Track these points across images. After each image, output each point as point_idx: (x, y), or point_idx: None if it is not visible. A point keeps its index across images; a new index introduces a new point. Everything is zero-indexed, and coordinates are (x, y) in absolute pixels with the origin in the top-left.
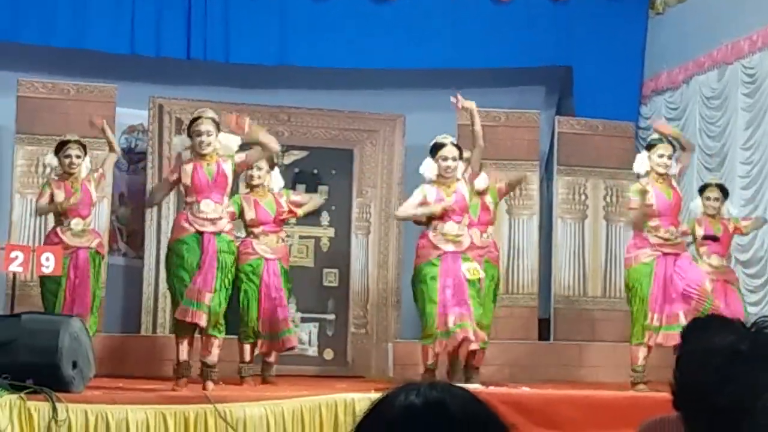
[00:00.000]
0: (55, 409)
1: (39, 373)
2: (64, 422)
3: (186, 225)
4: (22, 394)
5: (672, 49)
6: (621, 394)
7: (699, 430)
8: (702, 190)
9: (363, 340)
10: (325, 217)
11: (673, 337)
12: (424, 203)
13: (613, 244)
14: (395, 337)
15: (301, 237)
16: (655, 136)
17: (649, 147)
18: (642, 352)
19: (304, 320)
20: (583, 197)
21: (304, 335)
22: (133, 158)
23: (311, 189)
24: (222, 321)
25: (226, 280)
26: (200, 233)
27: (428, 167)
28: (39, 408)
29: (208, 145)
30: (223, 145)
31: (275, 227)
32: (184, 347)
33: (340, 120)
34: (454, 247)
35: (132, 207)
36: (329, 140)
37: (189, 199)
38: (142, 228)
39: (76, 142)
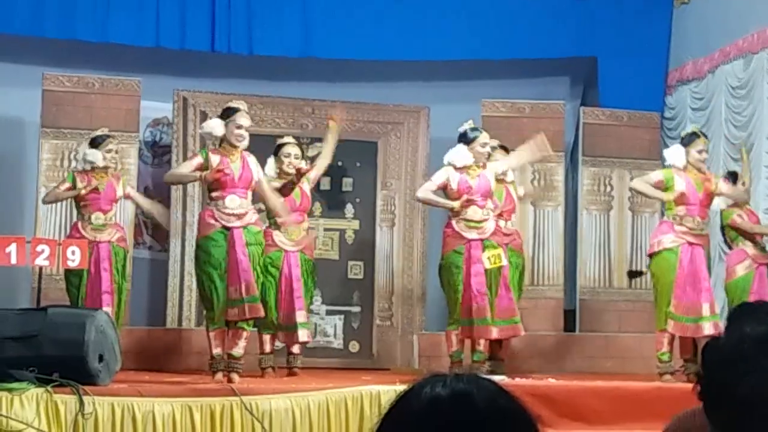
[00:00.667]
0: (81, 403)
1: (65, 366)
2: (90, 415)
3: (212, 221)
4: (49, 388)
5: (697, 38)
6: (648, 385)
7: (721, 421)
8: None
9: (388, 333)
10: (349, 210)
11: (695, 329)
12: (446, 187)
13: (639, 235)
14: (420, 329)
15: (326, 229)
16: (690, 129)
17: (688, 142)
18: (666, 338)
19: (329, 312)
20: (608, 188)
21: (329, 328)
22: (158, 151)
23: (336, 181)
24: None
25: (256, 273)
26: (227, 228)
27: (461, 155)
28: (66, 401)
29: (244, 139)
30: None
31: (298, 217)
32: (218, 342)
33: (365, 112)
34: (477, 234)
35: (158, 200)
36: (353, 132)
37: (214, 195)
38: (167, 221)
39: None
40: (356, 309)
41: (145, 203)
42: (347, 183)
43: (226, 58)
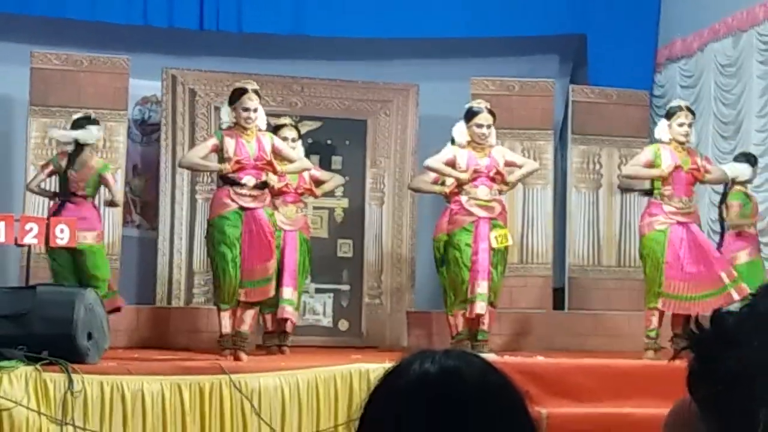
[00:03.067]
0: (70, 381)
1: (54, 344)
2: (79, 393)
3: (228, 201)
4: (38, 366)
5: (686, 16)
6: (636, 362)
7: (702, 398)
8: None
9: (377, 311)
10: (339, 188)
11: (688, 307)
12: (453, 163)
13: (628, 213)
14: (410, 307)
15: (315, 208)
16: (675, 103)
17: (669, 115)
18: (655, 316)
19: (318, 291)
20: (597, 166)
21: (318, 306)
22: (147, 130)
23: (325, 159)
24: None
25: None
26: (243, 209)
27: (460, 132)
28: (54, 379)
29: (253, 121)
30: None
31: (295, 197)
32: (227, 320)
33: (354, 90)
34: (486, 213)
35: (146, 178)
36: (343, 110)
37: (231, 175)
38: (156, 199)
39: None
40: (345, 287)
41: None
42: (336, 161)
43: (215, 36)
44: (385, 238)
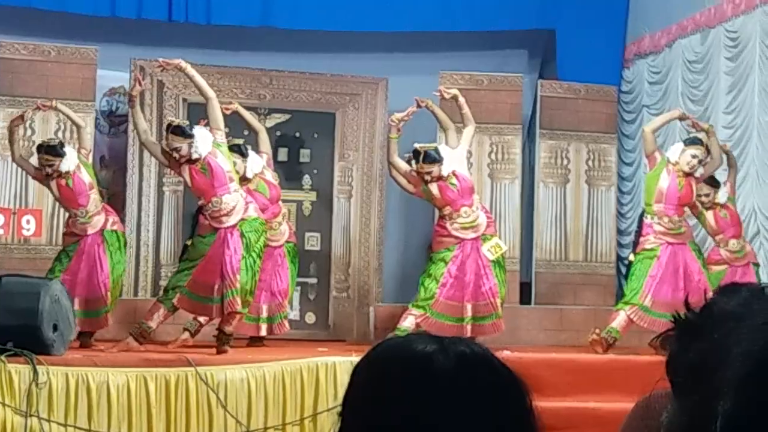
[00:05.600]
0: (35, 372)
1: (19, 335)
2: (44, 385)
3: (204, 222)
4: (2, 357)
5: (655, 12)
6: (601, 357)
7: (675, 390)
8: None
9: (345, 304)
10: (307, 181)
11: (662, 325)
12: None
13: (595, 208)
14: (377, 301)
15: (283, 201)
16: (700, 135)
17: (689, 143)
18: (620, 317)
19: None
20: (565, 161)
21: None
22: (115, 121)
23: (293, 152)
24: (249, 298)
25: (250, 259)
26: (216, 229)
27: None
28: (19, 371)
29: (184, 155)
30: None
31: (274, 211)
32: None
33: (323, 83)
34: (473, 233)
35: (113, 170)
36: (311, 103)
37: (201, 202)
38: (123, 191)
39: (48, 150)
40: (313, 280)
41: (73, 115)
42: (304, 154)
43: (183, 28)
44: (353, 231)
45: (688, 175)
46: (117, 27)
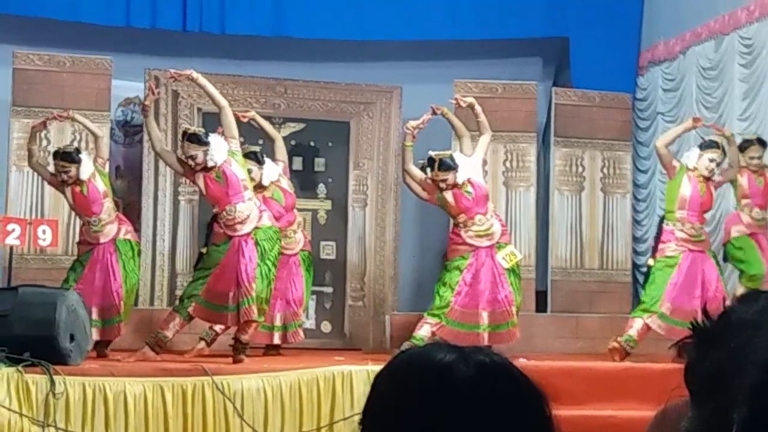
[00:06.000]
0: (52, 382)
1: (36, 346)
2: (61, 395)
3: (219, 231)
4: (20, 367)
5: (669, 19)
6: (618, 365)
7: (693, 397)
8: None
9: (360, 313)
10: (322, 190)
11: (680, 332)
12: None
13: (610, 215)
14: (393, 310)
15: (298, 209)
16: (714, 138)
17: (705, 147)
18: (637, 324)
19: None
20: (580, 169)
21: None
22: (129, 131)
23: (308, 161)
24: (264, 306)
25: (265, 267)
26: (230, 237)
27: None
28: (36, 381)
29: (200, 163)
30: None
31: (290, 219)
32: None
33: (337, 92)
34: (488, 242)
35: (129, 179)
36: (326, 112)
37: (215, 210)
38: (139, 201)
39: (63, 157)
40: (328, 289)
41: (90, 125)
42: (319, 163)
43: (197, 37)
44: (368, 240)
45: (707, 179)
46: (131, 37)
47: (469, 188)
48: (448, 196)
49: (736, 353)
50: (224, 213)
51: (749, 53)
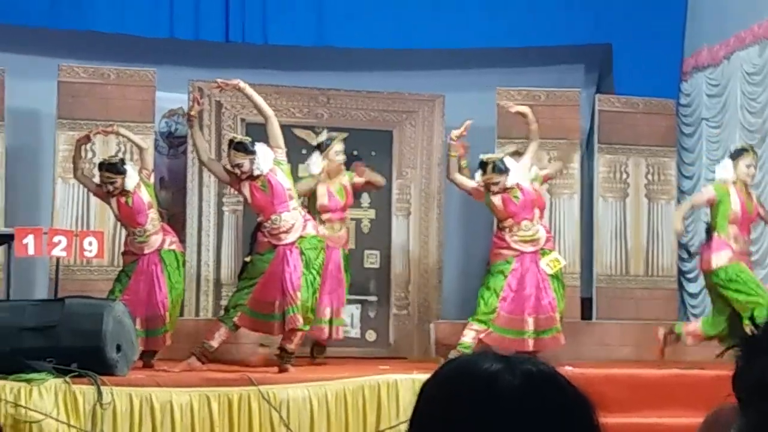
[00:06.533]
0: (99, 393)
1: (83, 356)
2: (108, 405)
3: (263, 240)
4: (67, 378)
5: (712, 24)
6: (664, 372)
7: (740, 403)
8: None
9: (405, 322)
10: (365, 199)
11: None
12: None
13: (655, 222)
14: (437, 318)
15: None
16: (741, 145)
17: (737, 155)
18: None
19: (346, 302)
20: (624, 176)
21: (346, 317)
22: (174, 142)
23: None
24: (310, 315)
25: (311, 276)
26: (275, 246)
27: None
28: (84, 392)
29: (246, 171)
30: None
31: (341, 215)
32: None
33: (379, 101)
34: (532, 247)
35: (173, 191)
36: (369, 122)
37: (259, 219)
38: (184, 211)
39: (108, 168)
40: (373, 298)
41: (134, 137)
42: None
43: (240, 48)
44: (411, 248)
45: (747, 188)
46: (175, 49)
47: (518, 193)
48: (497, 200)
49: None
50: (269, 222)
51: None
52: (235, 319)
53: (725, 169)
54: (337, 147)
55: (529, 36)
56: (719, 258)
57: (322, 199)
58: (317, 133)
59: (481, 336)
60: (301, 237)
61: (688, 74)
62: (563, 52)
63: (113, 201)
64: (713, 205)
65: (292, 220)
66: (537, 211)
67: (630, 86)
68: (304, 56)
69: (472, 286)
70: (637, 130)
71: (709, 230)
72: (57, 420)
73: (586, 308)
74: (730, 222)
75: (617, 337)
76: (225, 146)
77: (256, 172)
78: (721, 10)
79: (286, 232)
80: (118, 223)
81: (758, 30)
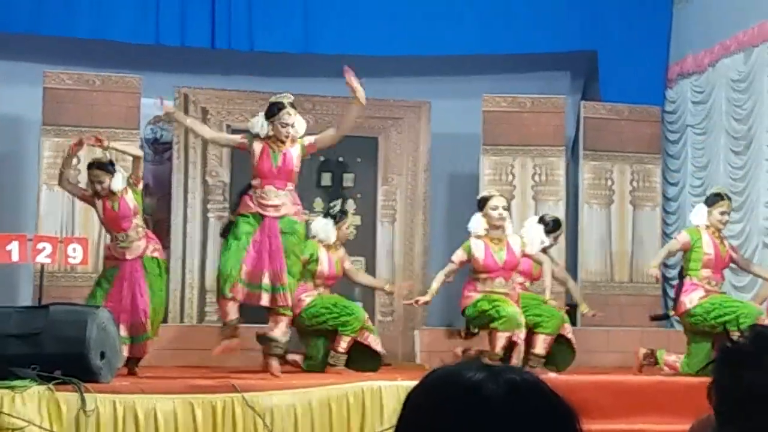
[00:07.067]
0: (83, 400)
1: (67, 363)
2: (92, 413)
3: (251, 204)
4: (51, 385)
5: (697, 32)
6: (649, 379)
7: (720, 415)
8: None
9: (390, 328)
10: (351, 205)
11: None
12: (467, 261)
13: (640, 229)
14: (422, 325)
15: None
16: (716, 191)
17: (712, 202)
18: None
19: None
20: (609, 182)
21: None
22: (159, 148)
23: (337, 177)
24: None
25: (290, 261)
26: (262, 216)
27: (476, 223)
28: (67, 399)
29: (288, 136)
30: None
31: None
32: (231, 308)
33: (365, 107)
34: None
35: (158, 197)
36: (354, 128)
37: (254, 182)
38: (168, 218)
39: (99, 166)
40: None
41: (128, 149)
42: (348, 179)
43: (226, 55)
44: (397, 255)
45: (720, 233)
46: (160, 55)
47: (504, 250)
48: (479, 246)
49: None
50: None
51: None
52: None
53: (699, 215)
54: (352, 221)
55: (515, 43)
56: (691, 299)
57: (323, 266)
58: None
59: None
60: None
61: (674, 81)
62: (549, 59)
63: (99, 203)
64: (688, 249)
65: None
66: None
67: (615, 93)
68: (289, 63)
69: (456, 293)
70: (623, 137)
71: (682, 274)
72: (40, 427)
73: (571, 314)
74: (703, 266)
75: (602, 343)
76: (210, 153)
77: (114, 189)
78: (706, 18)
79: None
80: (103, 229)
81: (743, 38)
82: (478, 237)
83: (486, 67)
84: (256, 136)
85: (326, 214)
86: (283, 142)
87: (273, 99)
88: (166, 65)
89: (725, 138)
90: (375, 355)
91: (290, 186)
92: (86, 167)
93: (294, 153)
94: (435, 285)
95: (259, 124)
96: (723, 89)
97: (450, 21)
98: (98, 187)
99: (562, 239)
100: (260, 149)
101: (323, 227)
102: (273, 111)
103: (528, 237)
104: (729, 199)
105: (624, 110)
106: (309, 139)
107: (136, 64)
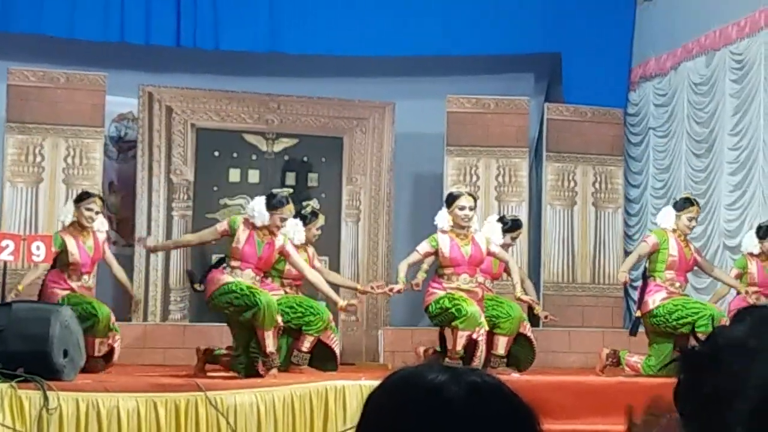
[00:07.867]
0: (46, 398)
1: (30, 361)
2: (55, 410)
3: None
4: (13, 383)
5: (660, 35)
6: (610, 379)
7: (686, 418)
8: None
9: (354, 328)
10: (315, 205)
11: None
12: (433, 253)
13: (602, 230)
14: (386, 324)
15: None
16: (687, 196)
17: (681, 207)
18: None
19: None
20: (572, 184)
21: None
22: (123, 147)
23: (301, 177)
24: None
25: None
26: None
27: (442, 218)
28: (30, 396)
29: (279, 228)
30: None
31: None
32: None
33: (330, 107)
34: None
35: (122, 195)
36: (319, 128)
37: (233, 264)
38: (133, 216)
39: (100, 197)
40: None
41: (119, 272)
42: (312, 178)
43: (191, 53)
44: (361, 254)
45: (686, 237)
46: (125, 53)
47: (470, 245)
48: (445, 241)
49: (733, 376)
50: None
51: (740, 68)
52: None
53: (666, 218)
54: (321, 223)
55: (479, 44)
56: (654, 300)
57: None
58: (268, 139)
59: None
60: None
61: (636, 84)
62: (513, 60)
63: (78, 239)
64: (657, 250)
65: None
66: None
67: (578, 95)
68: (254, 62)
69: (420, 293)
70: (586, 139)
71: (645, 275)
72: (2, 425)
73: (533, 315)
74: (668, 267)
75: (564, 344)
76: (174, 152)
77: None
78: (669, 21)
79: None
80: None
81: (705, 41)
82: (444, 232)
83: (450, 68)
84: (245, 222)
85: (297, 215)
86: (272, 234)
87: (276, 192)
88: (131, 63)
89: (687, 141)
90: (335, 355)
91: (263, 275)
92: (85, 195)
93: (276, 244)
94: (401, 273)
95: (261, 214)
96: (685, 92)
97: (415, 22)
98: (93, 218)
99: (524, 240)
100: (246, 235)
101: (292, 228)
102: (275, 204)
103: (489, 235)
104: (698, 204)
105: (587, 112)
106: (288, 245)
107: (101, 62)
